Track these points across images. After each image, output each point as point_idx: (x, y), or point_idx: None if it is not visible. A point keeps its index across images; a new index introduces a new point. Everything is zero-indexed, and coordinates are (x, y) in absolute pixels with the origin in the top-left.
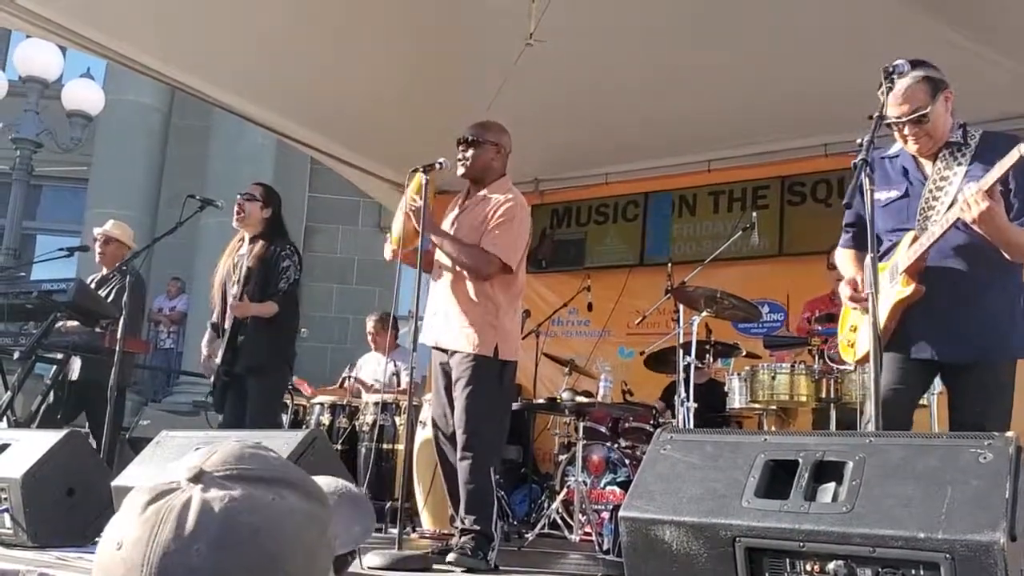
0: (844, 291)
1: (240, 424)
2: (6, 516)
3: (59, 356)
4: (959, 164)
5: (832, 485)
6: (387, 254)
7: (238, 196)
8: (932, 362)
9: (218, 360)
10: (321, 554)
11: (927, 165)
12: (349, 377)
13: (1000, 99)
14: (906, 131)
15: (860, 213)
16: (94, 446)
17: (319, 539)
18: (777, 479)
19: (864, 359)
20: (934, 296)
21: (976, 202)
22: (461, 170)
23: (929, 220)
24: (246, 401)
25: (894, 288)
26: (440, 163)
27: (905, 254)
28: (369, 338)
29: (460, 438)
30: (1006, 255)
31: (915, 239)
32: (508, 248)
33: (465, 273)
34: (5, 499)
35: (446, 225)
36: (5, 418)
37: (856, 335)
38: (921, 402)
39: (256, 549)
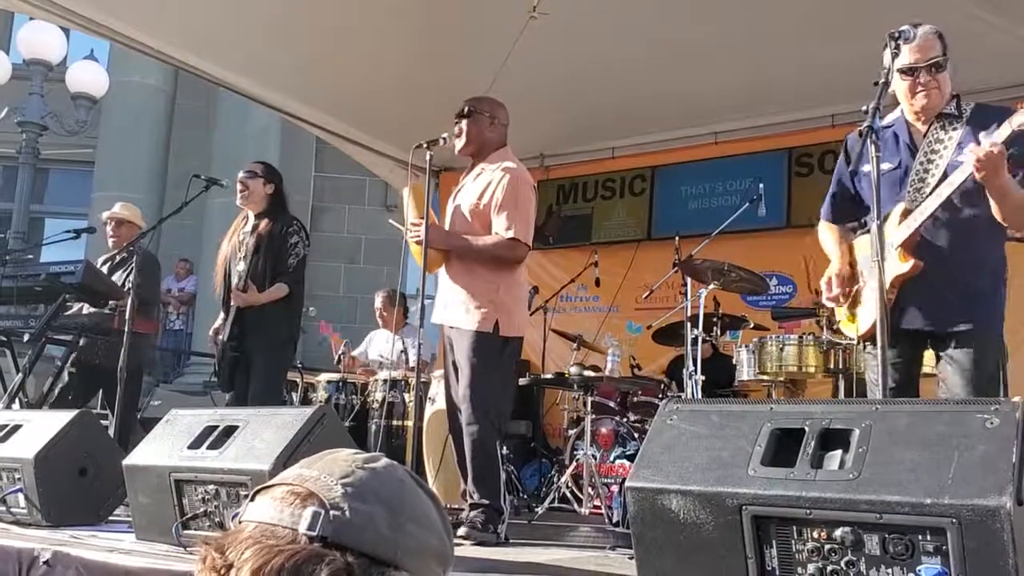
0: (824, 291)
1: (246, 401)
2: (20, 496)
3: (69, 337)
4: (949, 136)
5: (839, 452)
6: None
7: (240, 174)
8: (922, 332)
9: (223, 337)
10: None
11: (919, 135)
12: (345, 354)
13: (1006, 66)
14: (921, 78)
15: (843, 181)
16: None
17: (436, 548)
18: (783, 447)
19: (868, 334)
20: (925, 269)
21: (989, 149)
22: (459, 144)
23: (920, 192)
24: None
25: (891, 264)
26: (444, 138)
27: (898, 229)
28: (377, 314)
29: (464, 414)
30: (998, 215)
31: (905, 212)
32: (524, 227)
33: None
34: (19, 479)
35: (450, 205)
36: (17, 400)
37: (857, 310)
38: (929, 371)
39: (398, 491)
